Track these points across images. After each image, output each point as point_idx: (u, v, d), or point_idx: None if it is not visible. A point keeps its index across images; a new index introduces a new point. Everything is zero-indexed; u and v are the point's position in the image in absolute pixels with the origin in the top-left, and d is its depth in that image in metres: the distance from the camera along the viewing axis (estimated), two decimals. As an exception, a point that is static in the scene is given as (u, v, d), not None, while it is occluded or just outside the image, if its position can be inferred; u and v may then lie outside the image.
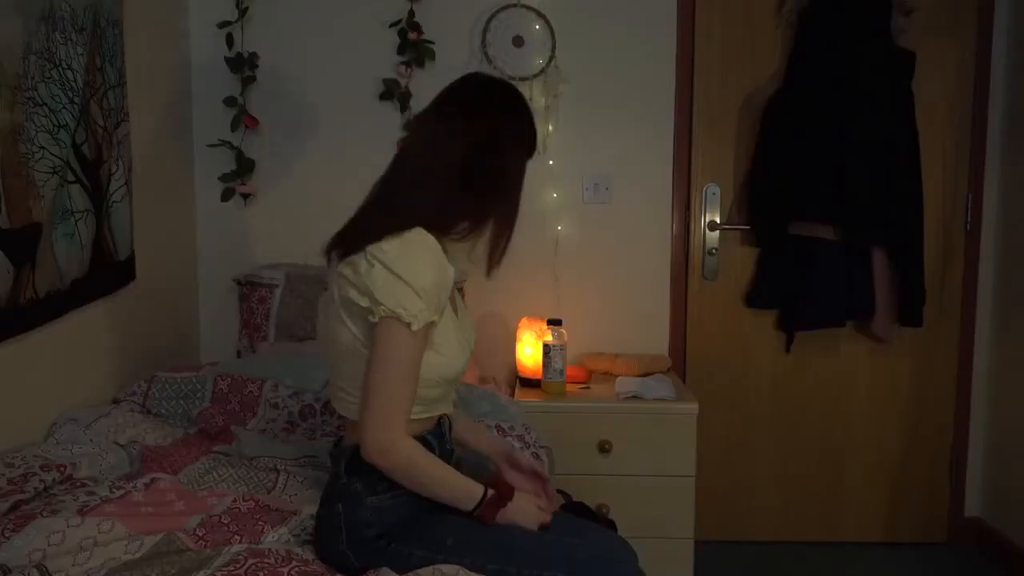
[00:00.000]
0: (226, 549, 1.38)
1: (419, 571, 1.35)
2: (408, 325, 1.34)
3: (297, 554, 1.41)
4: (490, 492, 1.44)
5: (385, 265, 1.36)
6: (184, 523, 1.47)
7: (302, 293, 2.58)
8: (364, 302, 1.36)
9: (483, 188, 1.46)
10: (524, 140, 1.53)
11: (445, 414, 1.56)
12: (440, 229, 1.45)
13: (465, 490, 1.44)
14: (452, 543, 1.40)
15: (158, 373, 2.20)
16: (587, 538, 1.50)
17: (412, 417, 1.42)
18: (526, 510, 1.49)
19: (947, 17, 2.81)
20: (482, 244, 1.52)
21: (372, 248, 1.37)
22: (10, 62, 1.64)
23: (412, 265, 1.36)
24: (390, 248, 1.37)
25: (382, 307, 1.34)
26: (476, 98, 1.53)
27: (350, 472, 1.44)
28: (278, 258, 2.77)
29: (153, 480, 1.65)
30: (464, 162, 1.44)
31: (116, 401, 2.13)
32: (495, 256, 1.53)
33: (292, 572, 1.33)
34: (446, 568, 1.34)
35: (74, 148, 1.90)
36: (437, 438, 1.51)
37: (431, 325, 1.40)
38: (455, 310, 1.55)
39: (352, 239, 1.43)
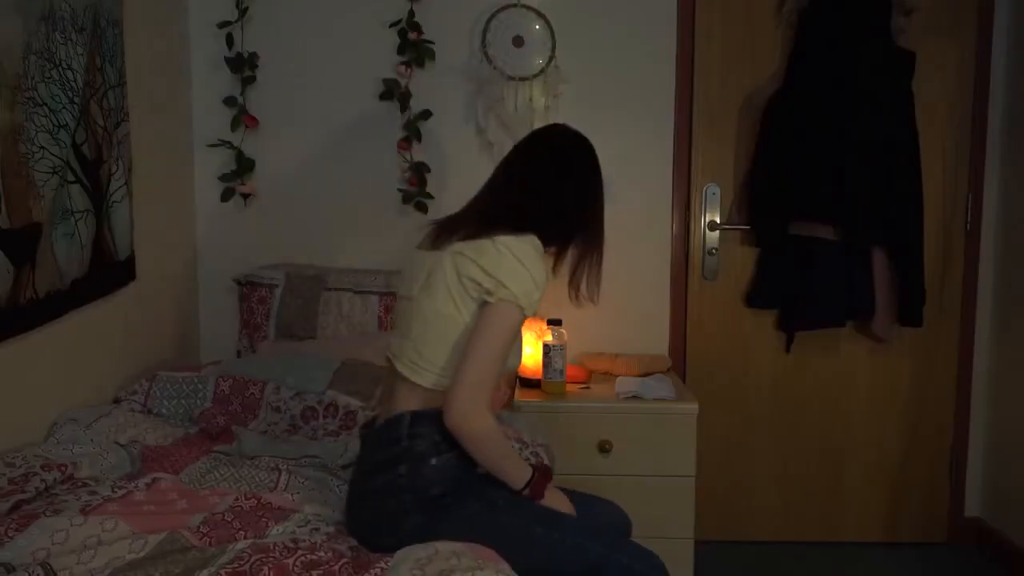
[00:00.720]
0: (230, 547, 1.38)
1: (415, 547, 1.42)
2: (522, 310, 1.51)
3: (303, 542, 1.42)
4: (536, 473, 1.60)
5: (515, 255, 1.52)
6: (187, 521, 1.47)
7: (302, 293, 2.58)
8: (488, 283, 1.51)
9: (577, 225, 1.72)
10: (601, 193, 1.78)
11: None
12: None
13: (521, 468, 1.59)
14: (504, 504, 1.55)
15: (159, 373, 2.20)
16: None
17: None
18: (559, 496, 1.66)
19: (947, 17, 2.81)
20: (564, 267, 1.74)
21: (503, 239, 1.54)
22: (10, 62, 1.64)
23: (536, 263, 1.54)
24: (518, 244, 1.54)
25: (506, 290, 1.50)
26: (576, 151, 1.78)
27: (412, 436, 1.54)
28: (278, 258, 2.77)
29: (155, 480, 1.65)
30: (566, 204, 1.69)
31: (117, 401, 2.14)
32: (594, 282, 1.77)
33: (298, 562, 1.33)
34: (441, 546, 1.42)
35: (74, 148, 1.90)
36: None
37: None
38: None
39: (476, 227, 1.58)
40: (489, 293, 1.51)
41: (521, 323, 1.54)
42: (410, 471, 1.53)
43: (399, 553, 1.41)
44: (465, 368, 1.50)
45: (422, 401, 1.57)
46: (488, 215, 1.62)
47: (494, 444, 1.54)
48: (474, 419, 1.49)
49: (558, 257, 1.72)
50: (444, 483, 1.54)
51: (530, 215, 1.61)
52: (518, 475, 1.58)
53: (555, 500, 1.63)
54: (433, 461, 1.54)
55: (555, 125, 1.85)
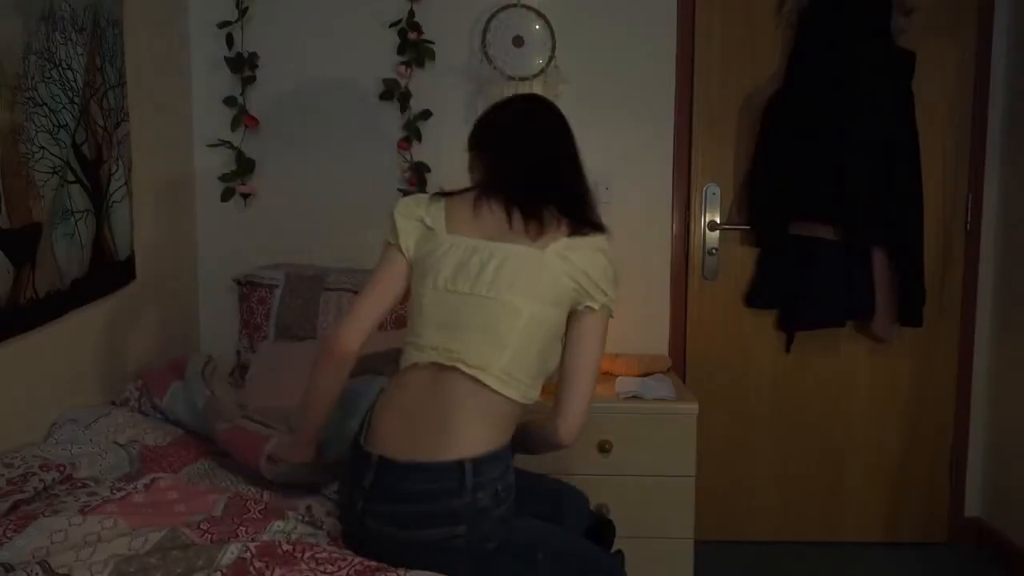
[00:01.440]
0: (231, 545, 1.38)
1: None
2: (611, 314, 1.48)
3: (308, 539, 1.41)
4: None
5: (607, 259, 1.49)
6: (186, 520, 1.47)
7: (302, 293, 2.58)
8: (593, 290, 1.45)
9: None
10: None
11: None
12: None
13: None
14: (542, 556, 1.48)
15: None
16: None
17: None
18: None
19: (947, 17, 2.81)
20: None
21: (596, 240, 1.50)
22: (10, 62, 1.64)
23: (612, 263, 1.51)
24: (605, 244, 1.50)
25: (607, 298, 1.46)
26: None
27: (476, 488, 1.40)
28: (278, 258, 2.77)
29: (153, 480, 1.65)
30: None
31: (115, 402, 2.13)
32: None
33: (306, 558, 1.33)
34: None
35: (74, 148, 1.90)
36: None
37: None
38: None
39: (567, 222, 1.49)
40: (593, 299, 1.44)
41: None
42: (470, 530, 1.40)
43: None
44: (588, 382, 1.46)
45: (493, 423, 1.43)
46: (560, 203, 1.52)
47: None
48: (580, 431, 1.50)
49: None
50: (500, 534, 1.44)
51: (589, 202, 1.56)
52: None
53: None
54: (494, 515, 1.42)
55: (529, 96, 1.79)
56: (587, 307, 1.44)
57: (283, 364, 2.33)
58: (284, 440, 1.69)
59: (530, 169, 1.57)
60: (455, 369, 1.44)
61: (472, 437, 1.42)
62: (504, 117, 1.66)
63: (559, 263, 1.44)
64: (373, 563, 1.35)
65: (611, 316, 1.48)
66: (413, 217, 1.57)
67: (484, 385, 1.43)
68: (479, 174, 1.63)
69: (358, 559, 1.36)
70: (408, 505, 1.42)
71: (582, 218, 1.50)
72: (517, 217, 1.49)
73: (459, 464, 1.40)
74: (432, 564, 1.35)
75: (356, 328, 1.53)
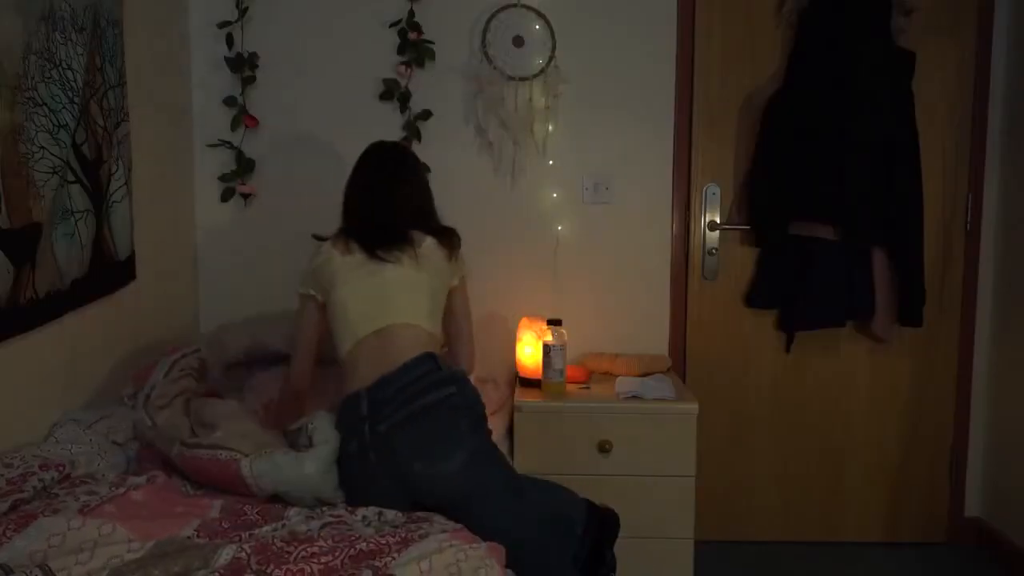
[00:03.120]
0: (229, 545, 1.38)
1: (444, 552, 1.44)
2: None
3: (301, 534, 1.42)
4: None
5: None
6: (183, 525, 1.47)
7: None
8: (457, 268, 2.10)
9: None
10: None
11: None
12: None
13: None
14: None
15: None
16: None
17: None
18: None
19: (947, 17, 2.81)
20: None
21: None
22: (10, 62, 1.64)
23: None
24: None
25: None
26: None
27: (448, 365, 1.89)
28: (278, 258, 2.76)
29: (151, 478, 1.65)
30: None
31: (115, 402, 2.13)
32: None
33: (298, 555, 1.33)
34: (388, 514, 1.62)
35: (74, 148, 1.90)
36: None
37: None
38: None
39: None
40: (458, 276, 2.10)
41: None
42: (459, 391, 1.81)
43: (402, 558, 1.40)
44: (471, 331, 2.15)
45: (426, 344, 1.89)
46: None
47: None
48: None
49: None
50: (482, 405, 1.87)
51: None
52: None
53: None
54: (471, 382, 1.87)
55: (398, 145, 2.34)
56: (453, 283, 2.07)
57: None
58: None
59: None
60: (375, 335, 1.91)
61: (419, 344, 1.89)
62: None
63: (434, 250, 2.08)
64: (365, 547, 1.39)
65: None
66: None
67: (408, 323, 1.94)
68: None
69: (353, 547, 1.38)
70: (404, 394, 1.78)
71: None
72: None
73: (424, 355, 1.85)
74: (437, 422, 1.76)
75: None
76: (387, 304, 1.93)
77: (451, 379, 1.83)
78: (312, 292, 2.01)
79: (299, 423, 1.81)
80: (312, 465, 1.69)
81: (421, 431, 1.75)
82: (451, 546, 1.40)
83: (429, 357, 1.85)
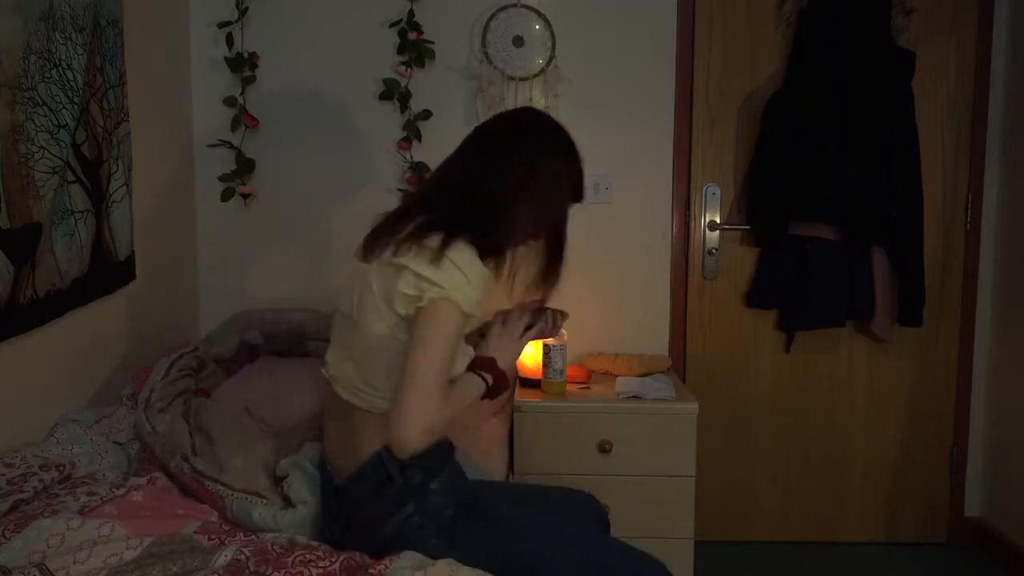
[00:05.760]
0: (227, 547, 1.38)
1: (438, 564, 1.38)
2: (459, 306, 1.42)
3: (299, 540, 1.42)
4: (483, 376, 1.53)
5: (446, 255, 1.43)
6: (183, 526, 1.47)
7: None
8: (418, 286, 1.41)
9: (513, 226, 1.53)
10: (562, 182, 1.58)
11: None
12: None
13: (473, 387, 1.51)
14: (535, 530, 1.52)
15: None
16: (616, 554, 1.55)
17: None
18: (503, 346, 1.58)
19: (947, 17, 2.81)
20: (523, 283, 1.60)
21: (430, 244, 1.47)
22: (10, 62, 1.64)
23: (469, 261, 1.46)
24: (449, 247, 1.46)
25: (437, 288, 1.40)
26: (513, 139, 1.58)
27: (402, 469, 1.46)
28: (279, 258, 2.76)
29: (151, 479, 1.65)
30: (497, 204, 1.52)
31: (116, 402, 2.13)
32: (547, 281, 1.61)
33: (296, 560, 1.34)
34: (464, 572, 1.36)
35: (74, 148, 1.90)
36: None
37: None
38: None
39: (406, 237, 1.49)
40: (419, 298, 1.39)
41: (461, 324, 1.42)
42: (419, 508, 1.47)
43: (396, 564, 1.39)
44: (401, 384, 1.38)
45: (382, 430, 1.44)
46: (418, 222, 1.49)
47: (443, 425, 1.43)
48: (425, 440, 1.38)
49: (500, 258, 1.56)
50: (452, 502, 1.51)
51: (454, 219, 1.47)
52: (475, 390, 1.51)
53: (500, 352, 1.57)
54: (433, 486, 1.48)
55: (514, 111, 1.73)
56: (418, 308, 1.42)
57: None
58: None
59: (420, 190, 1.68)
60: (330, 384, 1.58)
61: (371, 433, 1.49)
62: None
63: (377, 274, 1.51)
64: (359, 558, 1.39)
65: (462, 309, 1.43)
66: None
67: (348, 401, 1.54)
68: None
69: (352, 558, 1.38)
70: (357, 517, 1.51)
71: (425, 231, 1.52)
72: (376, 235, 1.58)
73: (376, 457, 1.48)
74: (406, 545, 1.43)
75: None
76: None
77: (405, 494, 1.49)
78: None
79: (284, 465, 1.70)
80: (289, 527, 1.57)
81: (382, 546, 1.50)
82: (447, 561, 1.40)
83: (376, 460, 1.52)
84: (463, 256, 1.43)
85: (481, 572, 1.38)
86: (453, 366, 1.46)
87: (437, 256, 1.41)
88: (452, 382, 1.48)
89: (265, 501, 1.60)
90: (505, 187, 1.51)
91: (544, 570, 1.46)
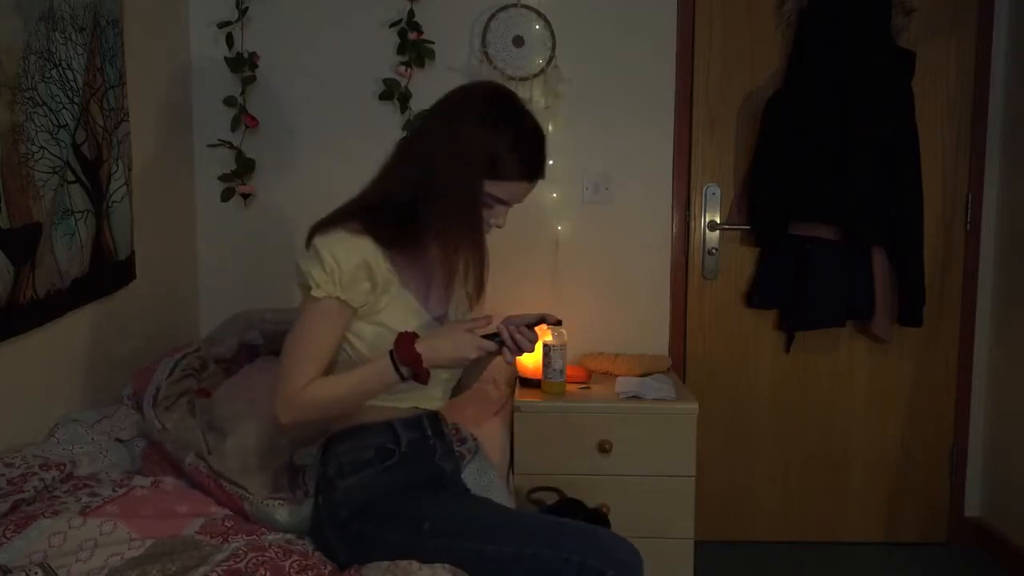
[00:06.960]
0: (227, 544, 1.38)
1: (399, 563, 1.38)
2: (318, 288, 1.43)
3: (298, 547, 1.42)
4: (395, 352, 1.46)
5: (315, 245, 1.47)
6: (186, 526, 1.47)
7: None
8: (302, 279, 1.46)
9: (431, 202, 1.45)
10: (469, 154, 1.43)
11: (431, 412, 1.61)
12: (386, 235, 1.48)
13: (378, 368, 1.45)
14: (429, 527, 1.44)
15: None
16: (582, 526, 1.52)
17: (374, 403, 1.51)
18: (451, 336, 1.48)
19: (947, 17, 2.81)
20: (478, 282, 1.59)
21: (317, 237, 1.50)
22: (10, 62, 1.64)
23: (334, 245, 1.45)
24: (323, 235, 1.48)
25: (304, 276, 1.45)
26: (454, 104, 1.50)
27: (325, 462, 1.54)
28: (278, 258, 2.76)
29: (155, 482, 1.65)
30: (394, 184, 1.49)
31: (116, 402, 2.13)
32: (472, 286, 1.59)
33: (293, 565, 1.34)
34: (424, 571, 1.35)
35: (74, 148, 1.90)
36: (412, 431, 1.55)
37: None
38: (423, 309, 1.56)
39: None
40: (302, 286, 1.46)
41: (325, 308, 1.43)
42: (324, 500, 1.52)
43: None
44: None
45: (339, 421, 1.54)
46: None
47: (326, 399, 1.45)
48: (286, 414, 1.44)
49: (444, 254, 1.51)
50: (350, 505, 1.48)
51: (357, 204, 1.50)
52: (382, 371, 1.44)
53: (441, 340, 1.46)
54: (339, 484, 1.50)
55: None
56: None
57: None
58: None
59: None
60: None
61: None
62: None
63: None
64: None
65: (325, 294, 1.43)
66: None
67: None
68: None
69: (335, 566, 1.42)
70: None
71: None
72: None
73: (325, 441, 1.57)
74: (315, 536, 1.52)
75: None
76: None
77: (322, 484, 1.57)
78: None
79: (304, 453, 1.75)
80: (307, 520, 1.58)
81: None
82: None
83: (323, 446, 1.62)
84: (326, 239, 1.44)
85: (455, 569, 1.37)
86: (356, 351, 1.49)
87: (307, 242, 1.47)
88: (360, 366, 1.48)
89: (283, 501, 1.61)
90: (404, 164, 1.49)
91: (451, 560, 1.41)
